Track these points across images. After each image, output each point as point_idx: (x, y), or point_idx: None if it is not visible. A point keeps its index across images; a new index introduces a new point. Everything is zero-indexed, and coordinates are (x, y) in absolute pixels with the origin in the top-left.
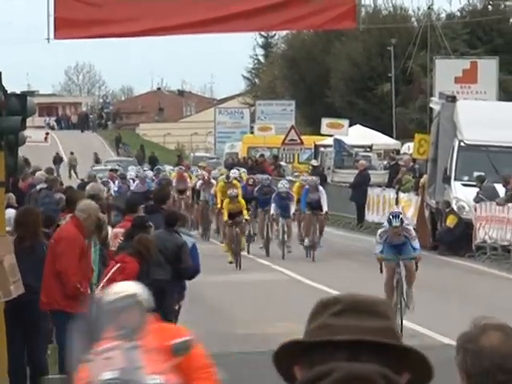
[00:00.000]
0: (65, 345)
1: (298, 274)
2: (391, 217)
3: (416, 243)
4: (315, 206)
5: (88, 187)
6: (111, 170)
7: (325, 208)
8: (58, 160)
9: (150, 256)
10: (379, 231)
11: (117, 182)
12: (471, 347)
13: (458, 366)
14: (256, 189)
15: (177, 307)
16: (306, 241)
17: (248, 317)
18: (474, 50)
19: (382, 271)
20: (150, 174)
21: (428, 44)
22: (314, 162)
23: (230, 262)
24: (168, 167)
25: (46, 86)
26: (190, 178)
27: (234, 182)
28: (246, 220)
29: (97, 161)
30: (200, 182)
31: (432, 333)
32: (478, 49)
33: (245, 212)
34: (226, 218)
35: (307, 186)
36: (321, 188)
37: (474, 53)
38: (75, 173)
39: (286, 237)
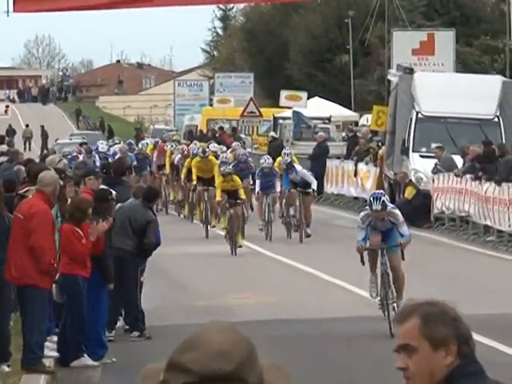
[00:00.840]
0: (33, 319)
1: (259, 246)
2: (372, 199)
3: (404, 229)
4: (301, 185)
5: (48, 159)
6: (80, 145)
7: (313, 186)
8: (10, 132)
9: (84, 214)
10: (361, 214)
11: (82, 156)
12: (450, 317)
13: (425, 339)
14: (232, 165)
15: (142, 279)
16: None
17: (209, 289)
18: (431, 22)
19: (363, 263)
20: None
21: (385, 16)
22: (274, 134)
23: (223, 228)
24: (144, 141)
25: (6, 59)
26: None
27: (210, 157)
28: (242, 200)
29: (43, 134)
30: (179, 156)
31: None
32: (435, 21)
33: (241, 191)
34: (218, 197)
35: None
36: (297, 166)
37: (431, 25)
38: (29, 145)
39: (272, 216)
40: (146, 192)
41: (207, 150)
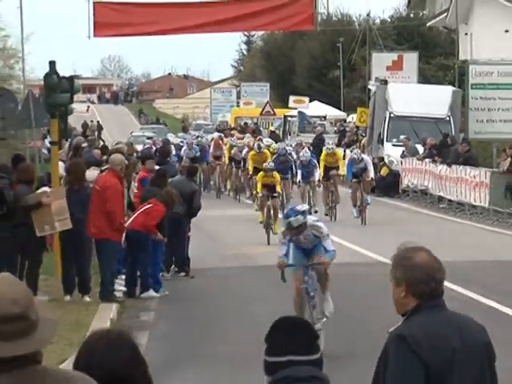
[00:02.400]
0: (107, 263)
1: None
2: (287, 214)
3: (328, 243)
4: (359, 174)
5: (118, 147)
6: (149, 138)
7: (371, 175)
8: (98, 127)
9: (174, 204)
10: (282, 229)
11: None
12: (409, 263)
13: (393, 278)
14: (273, 158)
15: (189, 234)
16: (354, 210)
17: (236, 242)
18: (400, 47)
19: (284, 280)
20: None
21: (367, 42)
22: (272, 128)
23: (261, 222)
24: (209, 136)
25: (87, 71)
26: (229, 147)
27: (265, 151)
28: (279, 193)
29: (99, 127)
30: (246, 150)
31: (371, 253)
32: (403, 45)
33: (278, 187)
34: (259, 189)
35: (352, 158)
36: (366, 157)
37: (401, 48)
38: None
39: (312, 201)
40: (188, 169)
41: (262, 144)
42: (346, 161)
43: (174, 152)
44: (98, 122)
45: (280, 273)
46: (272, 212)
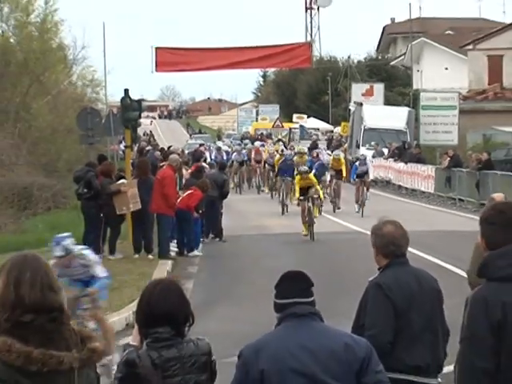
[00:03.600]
0: (164, 231)
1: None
2: (53, 244)
3: (97, 270)
4: (361, 174)
5: (173, 149)
6: (201, 145)
7: (371, 176)
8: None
9: (207, 190)
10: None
11: (214, 152)
12: (379, 232)
13: (372, 243)
14: (281, 161)
15: (222, 211)
16: (356, 206)
17: (257, 216)
18: (371, 79)
19: None
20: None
21: (348, 75)
22: (280, 137)
23: (305, 235)
24: (251, 144)
25: (151, 95)
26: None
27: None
28: (317, 192)
29: (151, 136)
30: (277, 156)
31: (353, 226)
32: (373, 78)
33: (317, 187)
34: (297, 194)
35: (358, 161)
36: (368, 161)
37: (371, 80)
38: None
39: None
40: (220, 165)
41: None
42: (350, 164)
43: (225, 156)
44: (151, 131)
45: None
46: (310, 210)
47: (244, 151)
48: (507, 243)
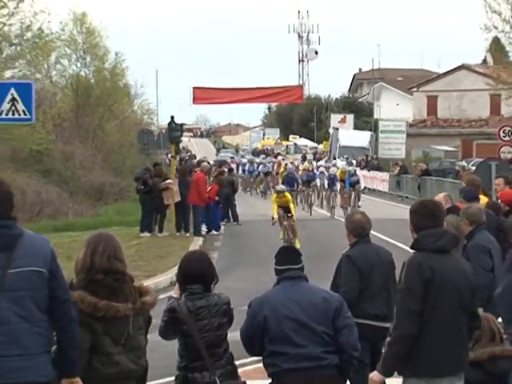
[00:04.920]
0: (197, 216)
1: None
2: None
3: None
4: (353, 184)
5: (203, 158)
6: (231, 158)
7: (362, 186)
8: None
9: (222, 186)
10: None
11: (247, 165)
12: (350, 219)
13: (345, 227)
14: (284, 175)
15: (235, 202)
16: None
17: (263, 209)
18: (344, 111)
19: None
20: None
21: (328, 108)
22: (279, 151)
23: (281, 239)
24: (264, 156)
25: (189, 120)
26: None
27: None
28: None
29: (184, 150)
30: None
31: (338, 217)
32: (346, 110)
33: (292, 206)
34: (275, 213)
35: (351, 172)
36: (358, 173)
37: (345, 112)
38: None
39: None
40: (229, 170)
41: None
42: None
43: (247, 167)
44: (187, 146)
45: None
46: (291, 231)
47: (269, 164)
48: (427, 227)
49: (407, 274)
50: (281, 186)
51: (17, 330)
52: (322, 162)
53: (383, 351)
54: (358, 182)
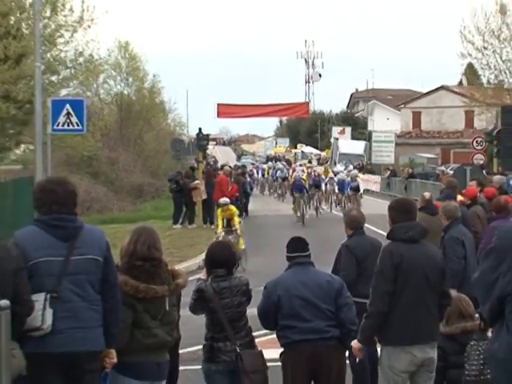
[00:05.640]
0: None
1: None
2: None
3: None
4: (355, 189)
5: (226, 162)
6: (252, 164)
7: (361, 190)
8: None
9: (240, 183)
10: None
11: (270, 170)
12: (347, 214)
13: (344, 221)
14: (291, 182)
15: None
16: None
17: (271, 205)
18: (343, 124)
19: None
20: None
21: (330, 122)
22: (288, 157)
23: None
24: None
25: (214, 131)
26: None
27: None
28: (236, 228)
29: (207, 156)
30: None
31: (336, 213)
32: (345, 124)
33: (236, 219)
34: (220, 227)
35: (350, 178)
36: (359, 179)
37: (344, 125)
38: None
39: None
40: (242, 172)
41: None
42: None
43: (270, 172)
44: (211, 153)
45: None
46: (236, 244)
47: (286, 170)
48: (401, 221)
49: (381, 260)
50: (224, 199)
51: (77, 308)
52: (356, 172)
53: (361, 324)
54: (357, 186)
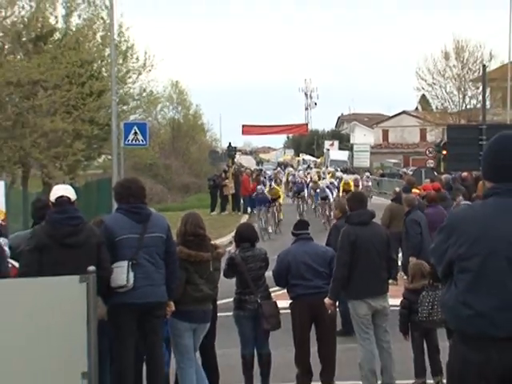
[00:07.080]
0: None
1: None
2: None
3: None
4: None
5: (247, 167)
6: (275, 169)
7: (331, 199)
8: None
9: (259, 182)
10: None
11: (291, 176)
12: (338, 202)
13: (335, 207)
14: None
15: None
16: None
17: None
18: (333, 139)
19: None
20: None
21: (323, 137)
22: (293, 163)
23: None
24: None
25: (239, 144)
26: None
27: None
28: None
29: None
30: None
31: None
32: (334, 139)
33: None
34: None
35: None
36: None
37: (333, 140)
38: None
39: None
40: (257, 177)
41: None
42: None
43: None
44: (237, 160)
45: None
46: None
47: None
48: (356, 209)
49: (341, 239)
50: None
51: (149, 271)
52: (348, 178)
53: (329, 286)
54: (327, 197)
